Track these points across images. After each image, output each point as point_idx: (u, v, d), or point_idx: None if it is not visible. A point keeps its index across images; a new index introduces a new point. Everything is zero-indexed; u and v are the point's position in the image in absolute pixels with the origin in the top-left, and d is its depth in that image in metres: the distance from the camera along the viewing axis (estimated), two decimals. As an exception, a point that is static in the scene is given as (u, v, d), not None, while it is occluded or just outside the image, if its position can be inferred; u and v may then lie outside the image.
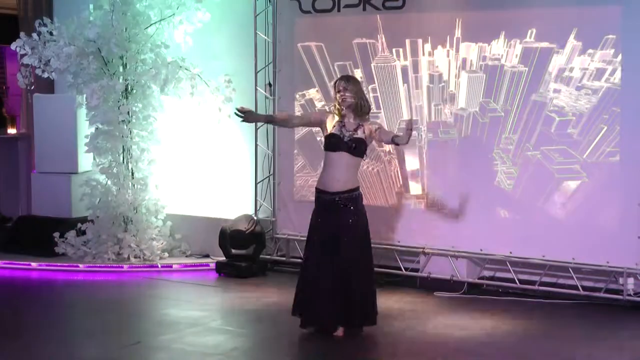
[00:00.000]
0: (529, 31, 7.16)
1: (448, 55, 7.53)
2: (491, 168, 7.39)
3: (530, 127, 7.22)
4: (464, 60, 7.45)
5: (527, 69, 7.19)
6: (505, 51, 7.28)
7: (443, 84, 7.57)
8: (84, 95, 8.71)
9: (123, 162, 8.73)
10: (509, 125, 7.29)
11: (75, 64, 8.52)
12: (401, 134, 5.98)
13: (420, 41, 7.65)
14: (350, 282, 5.99)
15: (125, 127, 8.62)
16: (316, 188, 6.20)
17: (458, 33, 7.48)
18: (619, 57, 6.80)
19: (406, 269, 7.87)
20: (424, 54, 7.64)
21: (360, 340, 6.03)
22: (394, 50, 7.78)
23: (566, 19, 7.01)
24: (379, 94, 7.88)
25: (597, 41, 6.87)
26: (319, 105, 8.17)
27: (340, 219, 6.05)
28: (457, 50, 7.49)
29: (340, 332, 6.06)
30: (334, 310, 6.00)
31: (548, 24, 7.09)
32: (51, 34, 8.65)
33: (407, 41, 7.69)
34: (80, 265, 8.51)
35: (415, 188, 7.77)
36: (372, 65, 7.88)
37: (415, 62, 7.69)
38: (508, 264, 7.41)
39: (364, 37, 7.93)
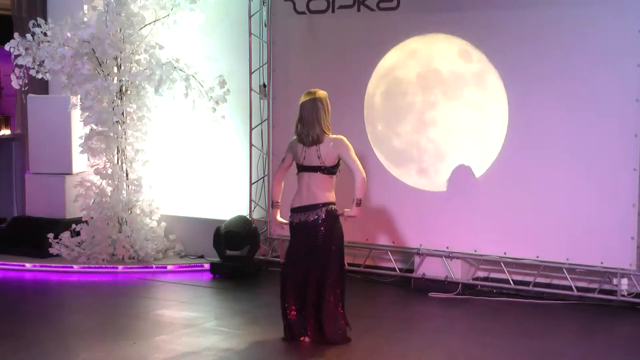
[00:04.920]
0: (514, 29, 7.21)
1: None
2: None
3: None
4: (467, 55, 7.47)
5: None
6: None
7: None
8: (78, 96, 8.70)
9: (117, 162, 8.72)
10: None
11: (70, 65, 8.50)
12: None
13: (418, 41, 7.66)
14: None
15: (119, 128, 8.62)
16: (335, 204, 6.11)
17: (452, 31, 7.51)
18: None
19: (400, 270, 7.88)
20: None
21: (354, 342, 6.02)
22: (393, 49, 7.80)
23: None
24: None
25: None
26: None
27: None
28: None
29: (306, 338, 6.04)
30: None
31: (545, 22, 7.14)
32: (45, 34, 8.65)
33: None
34: (75, 266, 8.50)
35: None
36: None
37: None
38: (502, 264, 7.43)
39: (358, 37, 7.95)
